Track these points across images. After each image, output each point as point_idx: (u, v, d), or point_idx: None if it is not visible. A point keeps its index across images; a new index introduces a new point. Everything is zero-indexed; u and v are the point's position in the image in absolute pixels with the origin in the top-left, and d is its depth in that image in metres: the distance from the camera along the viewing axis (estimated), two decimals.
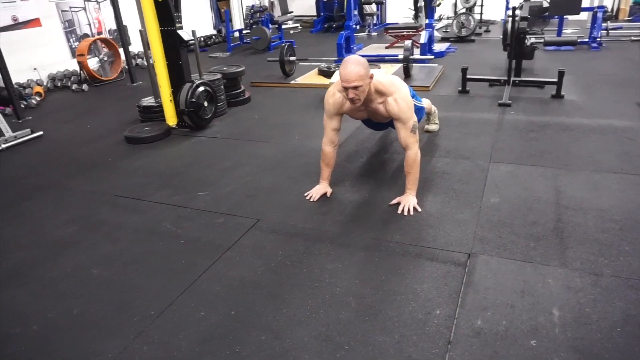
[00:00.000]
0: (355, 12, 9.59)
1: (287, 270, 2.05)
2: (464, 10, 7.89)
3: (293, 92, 5.08)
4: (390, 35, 7.20)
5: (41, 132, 4.31)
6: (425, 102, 3.34)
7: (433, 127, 3.58)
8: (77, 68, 6.34)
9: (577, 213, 2.32)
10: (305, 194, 2.69)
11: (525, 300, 1.74)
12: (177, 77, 3.96)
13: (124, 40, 6.20)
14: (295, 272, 2.03)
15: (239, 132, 3.97)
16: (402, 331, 1.64)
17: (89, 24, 7.02)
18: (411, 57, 5.09)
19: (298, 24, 10.85)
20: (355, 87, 2.23)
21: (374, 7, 9.48)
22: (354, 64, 2.21)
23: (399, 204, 2.48)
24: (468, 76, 4.50)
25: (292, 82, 5.36)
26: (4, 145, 4.01)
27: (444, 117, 3.82)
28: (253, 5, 8.20)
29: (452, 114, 3.96)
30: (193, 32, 3.99)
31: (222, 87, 4.45)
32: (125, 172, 3.32)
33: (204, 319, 1.79)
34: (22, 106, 5.32)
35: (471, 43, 7.19)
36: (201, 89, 3.96)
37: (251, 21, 7.97)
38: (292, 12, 10.89)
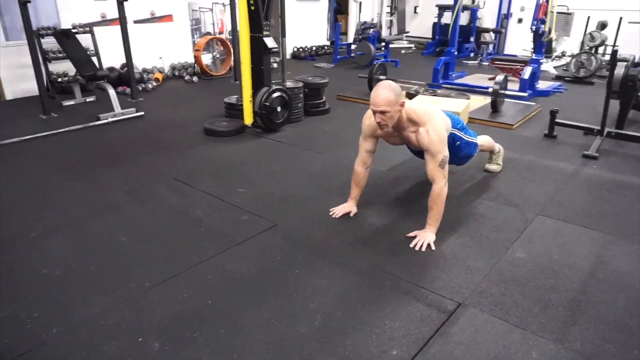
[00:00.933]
0: (472, 39, 9.34)
1: (276, 275, 2.12)
2: (588, 48, 7.18)
3: None
4: (497, 67, 6.85)
5: (142, 113, 4.93)
6: (484, 139, 3.17)
7: (494, 167, 3.36)
8: (193, 61, 7.10)
9: (609, 289, 2.03)
10: (330, 210, 2.73)
11: None
12: (258, 81, 4.25)
13: (235, 42, 6.76)
14: (282, 278, 2.10)
15: (303, 140, 4.12)
16: None
17: (213, 24, 7.79)
18: (501, 91, 4.80)
19: (412, 45, 10.79)
20: (383, 112, 2.23)
21: (491, 35, 9.08)
22: (384, 89, 2.22)
23: (415, 237, 2.40)
24: (558, 120, 4.12)
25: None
26: (110, 119, 4.68)
27: (512, 159, 3.57)
28: (365, 22, 8.38)
29: (524, 157, 3.67)
30: (282, 41, 4.25)
31: (301, 95, 4.66)
32: (191, 158, 3.67)
33: (184, 300, 1.95)
34: (140, 88, 6.13)
35: (588, 85, 6.52)
36: (276, 94, 4.20)
37: (360, 37, 8.15)
38: (407, 32, 10.89)
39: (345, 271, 2.16)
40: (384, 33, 10.63)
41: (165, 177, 3.26)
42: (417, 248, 2.33)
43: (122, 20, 5.32)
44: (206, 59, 7.07)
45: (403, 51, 10.23)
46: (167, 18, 7.15)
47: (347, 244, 2.40)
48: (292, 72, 7.52)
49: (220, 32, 7.98)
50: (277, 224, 2.60)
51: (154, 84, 6.38)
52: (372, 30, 7.87)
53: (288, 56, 9.22)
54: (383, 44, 8.26)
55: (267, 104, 4.12)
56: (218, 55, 7.15)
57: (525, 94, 5.32)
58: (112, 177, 3.27)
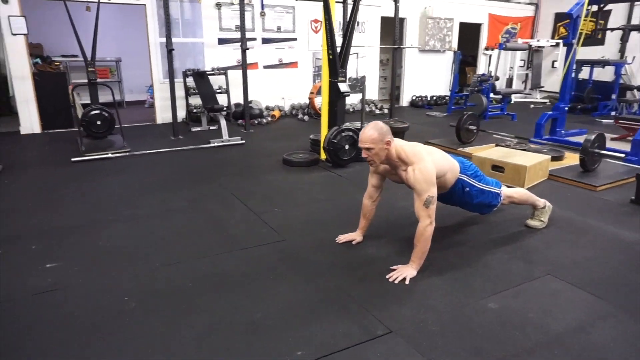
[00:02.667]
0: (613, 96, 8.44)
1: (252, 277, 2.46)
2: None
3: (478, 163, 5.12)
4: (621, 126, 6.14)
5: (244, 142, 5.78)
6: (516, 192, 3.06)
7: (535, 223, 3.16)
8: (308, 102, 7.92)
9: (565, 358, 1.86)
10: (339, 236, 2.95)
11: None
12: (332, 121, 4.70)
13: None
14: (255, 281, 2.42)
15: (362, 178, 4.37)
16: None
17: None
18: (595, 150, 4.39)
19: (547, 100, 10.14)
20: (368, 149, 2.44)
21: (635, 93, 8.09)
22: (370, 128, 2.44)
23: (395, 270, 2.49)
24: None
25: (459, 149, 5.37)
26: (216, 144, 5.61)
27: (567, 219, 3.30)
28: (483, 74, 8.28)
29: (583, 219, 3.34)
30: (360, 84, 4.64)
31: None
32: (257, 181, 4.24)
33: (172, 280, 2.41)
34: (256, 122, 7.12)
35: None
36: (345, 133, 4.58)
37: (475, 88, 8.08)
38: (542, 86, 10.30)
39: (310, 287, 2.37)
40: (517, 87, 10.24)
41: (225, 193, 3.86)
42: (390, 280, 2.42)
43: (243, 66, 6.36)
44: (319, 101, 7.82)
45: (532, 105, 9.70)
46: (293, 65, 8.18)
47: (330, 266, 2.61)
48: (400, 117, 7.82)
49: None
50: (285, 240, 2.94)
51: (269, 119, 7.33)
52: (487, 82, 7.74)
53: (406, 104, 9.55)
54: (499, 96, 8.03)
55: (334, 141, 4.52)
56: None
57: (622, 155, 4.71)
58: (188, 187, 4.00)
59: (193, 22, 7.52)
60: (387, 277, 2.45)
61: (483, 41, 10.31)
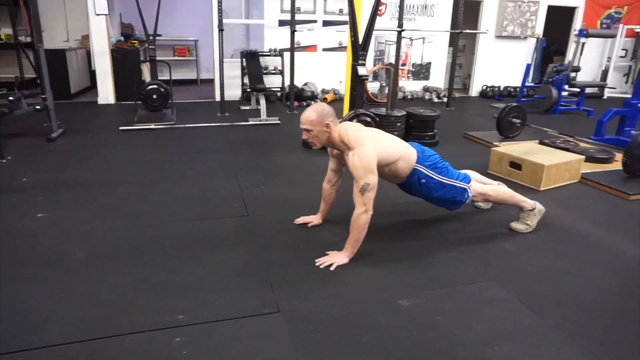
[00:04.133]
0: None
1: (188, 246, 2.61)
2: None
3: (485, 153, 4.74)
4: None
5: (280, 122, 5.93)
6: (495, 189, 2.82)
7: (519, 226, 2.87)
8: None
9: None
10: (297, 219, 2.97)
11: None
12: (352, 104, 4.64)
13: (396, 74, 7.15)
14: (188, 249, 2.57)
15: None
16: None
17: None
18: None
19: None
20: (306, 130, 2.42)
21: None
22: (310, 109, 2.41)
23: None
24: None
25: (496, 142, 4.96)
26: (252, 122, 5.85)
27: (568, 226, 2.96)
28: (561, 64, 7.42)
29: (585, 229, 2.94)
30: (424, 70, 4.50)
31: (398, 124, 4.79)
32: (267, 160, 4.39)
33: (151, 233, 2.66)
34: (304, 104, 7.23)
35: None
36: (362, 118, 4.49)
37: (550, 79, 7.29)
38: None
39: (242, 260, 2.45)
40: (614, 82, 9.05)
41: (230, 168, 4.05)
42: (317, 264, 2.41)
43: (291, 48, 6.46)
44: (373, 86, 7.69)
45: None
46: None
47: (274, 243, 2.66)
48: (459, 108, 7.43)
49: (404, 64, 8.47)
50: (248, 216, 3.04)
51: (318, 101, 7.39)
52: (561, 73, 6.94)
53: (475, 94, 8.98)
54: (577, 89, 7.17)
55: None
56: (384, 84, 7.66)
57: None
58: (203, 159, 4.28)
59: (256, 3, 7.80)
60: (316, 261, 2.43)
61: (577, 27, 9.20)
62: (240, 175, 3.85)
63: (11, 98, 4.70)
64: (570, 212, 3.24)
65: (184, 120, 5.87)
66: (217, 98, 7.62)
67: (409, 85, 8.55)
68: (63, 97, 7.23)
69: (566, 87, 7.09)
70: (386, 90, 7.72)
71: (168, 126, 5.62)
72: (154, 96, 6.13)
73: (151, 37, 6.18)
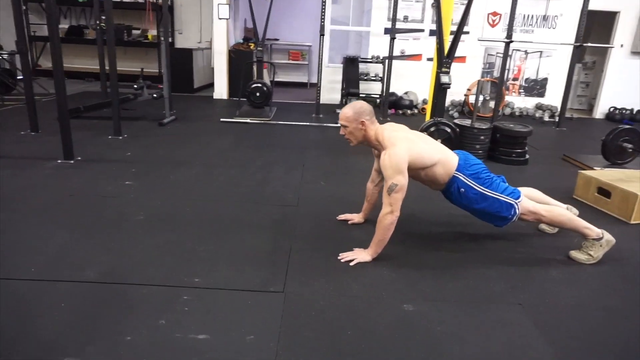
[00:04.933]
0: None
1: (229, 224, 2.83)
2: None
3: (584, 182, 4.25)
4: None
5: None
6: (550, 210, 2.54)
7: (580, 256, 2.55)
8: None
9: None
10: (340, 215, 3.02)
11: None
12: (432, 113, 4.52)
13: (501, 88, 6.72)
14: (226, 227, 2.78)
15: None
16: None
17: (508, 69, 7.81)
18: None
19: None
20: (343, 126, 2.47)
21: None
22: (348, 106, 2.46)
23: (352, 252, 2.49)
24: None
25: (597, 168, 4.41)
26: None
27: None
28: None
29: None
30: (539, 87, 4.30)
31: (482, 137, 4.54)
32: (337, 159, 4.50)
33: (170, 206, 2.99)
34: (400, 112, 7.18)
35: None
36: (440, 127, 4.35)
37: None
38: None
39: (271, 242, 2.60)
40: None
41: (299, 163, 4.25)
42: (339, 257, 2.44)
43: (390, 55, 6.49)
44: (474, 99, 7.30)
45: None
46: (461, 59, 7.80)
47: (308, 232, 2.76)
48: (573, 129, 6.77)
49: (516, 78, 7.93)
50: (297, 206, 3.18)
51: (415, 111, 7.28)
52: None
53: (600, 115, 8.04)
54: None
55: (425, 133, 4.36)
56: (487, 98, 7.25)
57: None
58: (278, 152, 4.56)
59: (366, 11, 7.97)
60: (340, 255, 2.46)
61: None
62: (305, 170, 4.02)
63: (135, 86, 5.51)
64: None
65: (280, 118, 6.27)
66: (321, 101, 7.99)
67: (520, 102, 7.96)
68: (186, 91, 8.21)
69: None
70: (490, 104, 7.31)
71: (262, 122, 6.05)
72: (257, 94, 6.63)
73: (260, 40, 6.69)
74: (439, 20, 4.32)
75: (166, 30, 6.03)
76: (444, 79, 4.31)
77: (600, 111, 8.05)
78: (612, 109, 7.85)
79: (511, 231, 2.91)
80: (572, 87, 8.16)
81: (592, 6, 6.70)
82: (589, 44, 6.71)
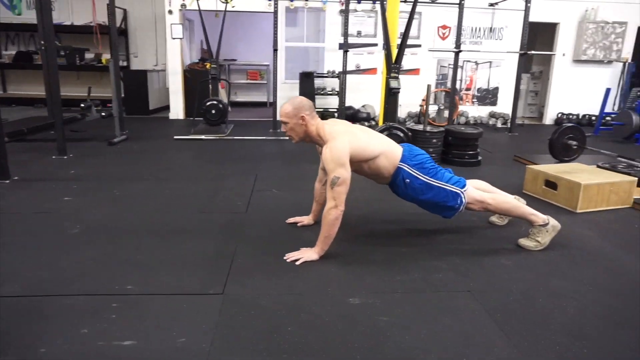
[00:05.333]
0: None
1: (175, 231, 2.69)
2: None
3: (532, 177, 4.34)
4: None
5: None
6: (494, 197, 2.54)
7: (528, 243, 2.54)
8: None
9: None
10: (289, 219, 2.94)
11: None
12: (385, 118, 4.55)
13: (454, 97, 6.90)
14: (173, 234, 2.65)
15: None
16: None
17: (461, 80, 8.04)
18: None
19: None
20: (283, 122, 2.42)
21: None
22: (287, 102, 2.41)
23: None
24: None
25: (540, 165, 4.50)
26: None
27: (597, 250, 2.58)
28: None
29: (612, 251, 2.54)
30: (491, 95, 4.36)
31: (434, 140, 4.59)
32: (291, 168, 4.44)
33: (125, 220, 2.83)
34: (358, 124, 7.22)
35: None
36: (395, 132, 4.37)
37: (632, 105, 6.52)
38: None
39: (204, 244, 2.49)
40: None
41: (252, 173, 4.15)
42: (285, 258, 2.34)
43: (344, 70, 6.55)
44: (432, 109, 7.46)
45: None
46: (415, 71, 7.98)
47: (255, 237, 2.65)
48: (525, 134, 6.98)
49: (468, 88, 8.16)
50: (246, 212, 3.08)
51: (372, 123, 7.35)
52: None
53: (549, 121, 8.34)
54: None
55: None
56: (442, 107, 7.41)
57: None
58: (233, 165, 4.45)
59: (318, 28, 8.08)
60: (286, 255, 2.37)
61: None
62: (258, 179, 3.93)
63: (82, 105, 5.32)
64: (603, 237, 2.81)
65: (236, 134, 6.19)
66: (278, 117, 7.98)
67: (474, 111, 8.17)
68: (142, 113, 8.03)
69: None
70: (444, 114, 7.47)
71: (218, 138, 5.94)
72: (213, 111, 6.54)
73: (215, 57, 6.64)
74: (385, 29, 4.39)
75: (114, 46, 5.88)
76: (393, 83, 4.35)
77: (549, 117, 8.36)
78: (560, 115, 8.17)
79: (461, 225, 2.90)
80: (523, 96, 8.50)
81: (533, 18, 7.03)
82: (533, 52, 7.00)
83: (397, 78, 4.39)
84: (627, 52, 7.98)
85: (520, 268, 2.34)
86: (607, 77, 8.10)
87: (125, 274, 2.14)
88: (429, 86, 5.14)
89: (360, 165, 2.44)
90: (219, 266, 2.25)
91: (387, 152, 2.45)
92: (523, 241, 2.58)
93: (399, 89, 4.43)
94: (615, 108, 8.00)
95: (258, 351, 1.60)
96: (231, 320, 1.79)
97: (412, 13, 4.47)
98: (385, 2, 4.40)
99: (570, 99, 8.14)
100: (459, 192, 2.48)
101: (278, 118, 2.51)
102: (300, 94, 6.83)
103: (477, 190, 2.55)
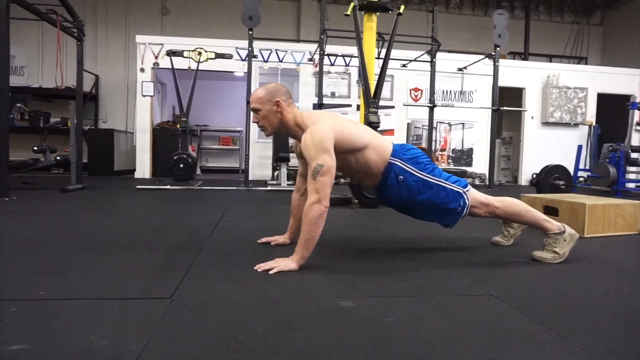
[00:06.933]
0: None
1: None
2: None
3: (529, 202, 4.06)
4: None
5: None
6: (503, 201, 2.19)
7: (544, 255, 2.15)
8: None
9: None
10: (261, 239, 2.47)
11: None
12: None
13: (430, 153, 6.79)
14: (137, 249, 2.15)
15: (376, 216, 3.76)
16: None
17: (435, 141, 8.04)
18: None
19: None
20: (254, 110, 2.08)
21: None
22: (260, 88, 2.09)
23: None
24: None
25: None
26: (269, 188, 5.60)
27: (610, 261, 2.20)
28: (619, 143, 6.69)
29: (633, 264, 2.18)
30: (465, 156, 4.19)
31: None
32: (269, 211, 4.01)
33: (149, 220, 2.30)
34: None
35: None
36: None
37: (606, 159, 6.54)
38: None
39: (158, 257, 1.99)
40: None
41: (222, 212, 3.71)
42: (255, 268, 1.86)
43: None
44: None
45: None
46: (389, 132, 7.96)
47: (218, 251, 2.17)
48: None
49: (443, 149, 8.15)
50: (210, 236, 2.60)
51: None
52: (618, 150, 6.21)
53: (525, 182, 8.31)
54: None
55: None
56: None
57: None
58: (198, 206, 4.00)
59: (292, 89, 8.10)
60: (256, 266, 1.88)
61: (636, 115, 8.55)
62: (227, 213, 3.49)
63: (35, 148, 4.86)
64: (624, 254, 2.46)
65: (205, 185, 5.76)
66: (250, 177, 7.63)
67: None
68: (106, 174, 7.55)
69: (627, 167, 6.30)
70: None
71: (185, 187, 5.51)
72: (181, 165, 6.16)
73: (185, 111, 6.42)
74: (362, 63, 4.29)
75: (80, 111, 5.50)
76: (372, 118, 4.14)
77: (524, 179, 8.35)
78: (534, 175, 8.15)
79: (463, 244, 2.50)
80: (496, 160, 8.54)
81: (500, 83, 7.26)
82: (505, 108, 7.11)
83: (375, 113, 4.20)
84: (591, 116, 8.25)
85: (542, 275, 1.93)
86: (575, 138, 8.29)
87: (42, 281, 1.62)
88: (409, 124, 4.99)
89: (346, 159, 2.08)
90: (170, 275, 1.75)
91: (376, 144, 2.11)
92: (539, 253, 2.19)
93: (379, 123, 4.22)
94: (587, 166, 8.08)
95: (216, 353, 1.10)
96: (178, 322, 1.28)
97: (389, 47, 4.40)
98: (361, 37, 4.35)
99: (542, 159, 8.14)
100: (461, 191, 2.12)
101: (250, 105, 2.13)
102: (274, 146, 6.59)
103: (480, 193, 2.20)
